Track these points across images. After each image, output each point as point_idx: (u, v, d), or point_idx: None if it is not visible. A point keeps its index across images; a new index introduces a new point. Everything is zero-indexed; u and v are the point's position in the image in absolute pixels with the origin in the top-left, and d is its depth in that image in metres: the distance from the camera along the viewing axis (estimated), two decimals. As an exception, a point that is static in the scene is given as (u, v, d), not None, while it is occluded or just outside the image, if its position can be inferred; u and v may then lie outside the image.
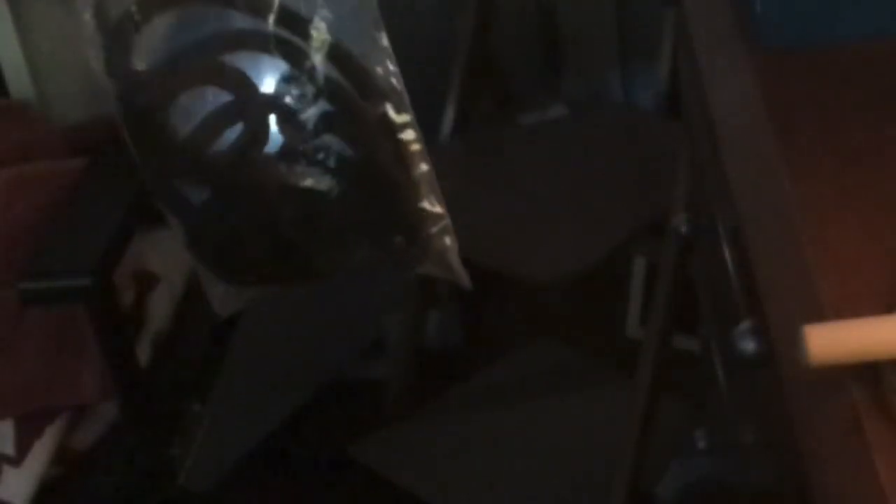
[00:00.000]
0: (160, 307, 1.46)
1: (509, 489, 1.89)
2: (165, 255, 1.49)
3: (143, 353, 1.40)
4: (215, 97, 0.59)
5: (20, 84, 1.59)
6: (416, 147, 0.61)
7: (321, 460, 1.97)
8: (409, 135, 0.60)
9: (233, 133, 0.60)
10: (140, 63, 0.57)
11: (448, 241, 0.68)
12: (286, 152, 0.59)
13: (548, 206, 1.83)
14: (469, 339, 2.11)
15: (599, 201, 1.84)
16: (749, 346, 0.91)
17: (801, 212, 0.79)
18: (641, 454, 1.71)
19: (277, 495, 1.93)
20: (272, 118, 0.59)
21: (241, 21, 0.57)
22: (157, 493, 1.39)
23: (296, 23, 0.56)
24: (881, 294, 0.71)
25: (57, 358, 1.34)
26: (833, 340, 0.66)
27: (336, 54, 0.58)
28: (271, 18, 0.56)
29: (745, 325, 0.92)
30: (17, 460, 1.35)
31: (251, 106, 0.58)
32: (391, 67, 0.59)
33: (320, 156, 0.59)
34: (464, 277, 0.71)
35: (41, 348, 1.34)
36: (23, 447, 1.35)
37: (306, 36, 0.57)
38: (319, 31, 0.56)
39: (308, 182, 0.60)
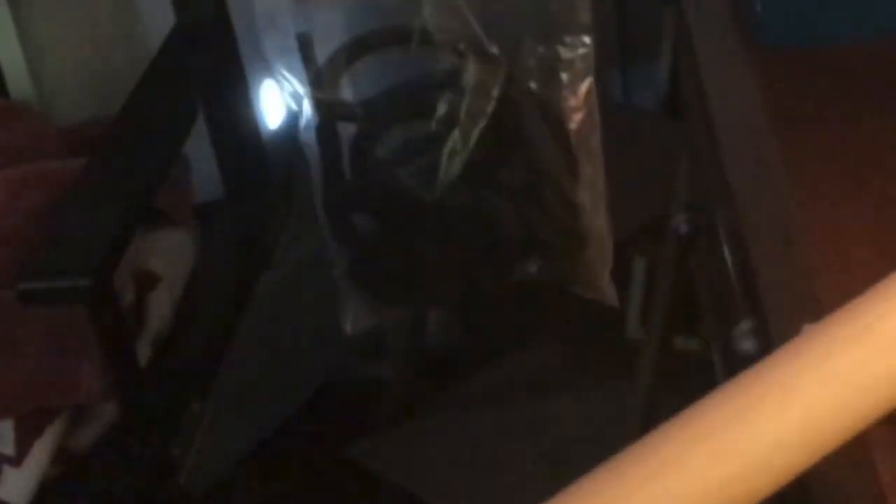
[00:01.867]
0: (160, 307, 1.45)
1: (509, 489, 1.89)
2: (165, 255, 1.49)
3: (143, 353, 1.40)
4: (411, 128, 0.65)
5: (20, 84, 1.59)
6: (599, 188, 0.69)
7: (321, 460, 1.97)
8: (597, 183, 0.69)
9: (424, 160, 0.66)
10: (348, 95, 0.63)
11: (607, 264, 0.76)
12: (475, 179, 0.66)
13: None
14: (469, 339, 2.11)
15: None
16: (749, 346, 0.91)
17: (800, 212, 0.79)
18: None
19: (277, 495, 1.93)
20: (467, 150, 0.65)
21: (444, 63, 0.64)
22: (157, 494, 1.39)
23: (513, 81, 0.64)
24: (881, 294, 0.70)
25: (57, 358, 1.34)
26: (833, 340, 0.65)
27: (542, 107, 0.66)
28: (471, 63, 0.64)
29: (745, 325, 0.92)
30: (17, 460, 1.35)
31: (447, 138, 0.65)
32: (596, 134, 0.67)
33: (512, 193, 0.66)
34: (614, 298, 0.79)
35: (41, 348, 1.34)
36: (23, 447, 1.35)
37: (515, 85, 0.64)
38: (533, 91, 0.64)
39: (487, 208, 0.67)
